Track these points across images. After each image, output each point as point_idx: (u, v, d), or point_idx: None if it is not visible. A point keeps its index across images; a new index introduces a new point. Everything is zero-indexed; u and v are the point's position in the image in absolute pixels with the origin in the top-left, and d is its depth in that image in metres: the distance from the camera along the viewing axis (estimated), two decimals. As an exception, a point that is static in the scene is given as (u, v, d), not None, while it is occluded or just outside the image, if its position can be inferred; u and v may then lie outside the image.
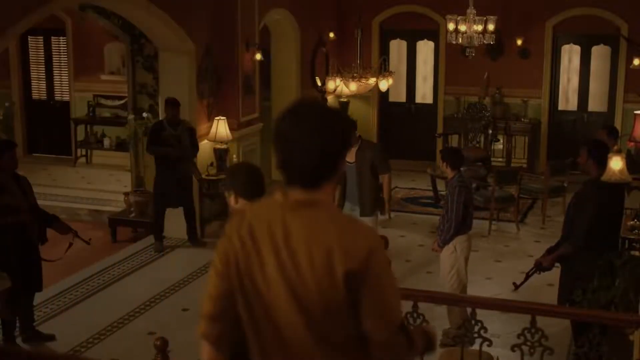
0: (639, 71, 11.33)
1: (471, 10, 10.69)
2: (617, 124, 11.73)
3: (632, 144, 9.21)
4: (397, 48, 13.64)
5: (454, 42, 11.03)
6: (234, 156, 9.78)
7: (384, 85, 10.39)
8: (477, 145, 12.47)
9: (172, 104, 8.69)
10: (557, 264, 6.07)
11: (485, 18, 10.76)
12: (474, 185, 10.38)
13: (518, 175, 10.16)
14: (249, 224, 2.35)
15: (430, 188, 11.12)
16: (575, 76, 12.85)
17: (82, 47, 12.81)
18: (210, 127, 9.50)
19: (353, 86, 10.04)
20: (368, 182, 7.46)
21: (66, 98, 13.24)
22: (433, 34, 13.26)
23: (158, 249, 8.98)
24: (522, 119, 12.76)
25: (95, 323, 7.02)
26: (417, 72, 13.66)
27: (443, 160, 6.60)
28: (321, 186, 2.31)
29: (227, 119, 9.51)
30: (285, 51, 12.02)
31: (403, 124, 13.63)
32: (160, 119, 9.01)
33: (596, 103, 12.85)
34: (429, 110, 13.59)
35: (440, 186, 10.57)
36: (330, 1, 13.18)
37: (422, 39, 13.48)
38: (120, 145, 12.09)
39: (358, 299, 2.27)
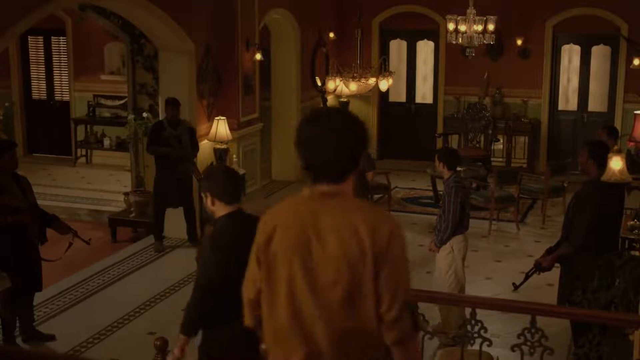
0: (639, 71, 11.33)
1: (471, 10, 10.70)
2: (617, 124, 11.73)
3: (632, 144, 9.20)
4: (397, 48, 13.64)
5: (454, 42, 11.04)
6: (234, 156, 9.79)
7: (384, 85, 10.39)
8: (477, 145, 12.47)
9: (173, 104, 8.69)
10: (557, 264, 6.07)
11: (485, 18, 10.77)
12: (473, 185, 10.41)
13: (518, 175, 10.17)
14: (282, 218, 2.67)
15: (430, 188, 11.12)
16: (575, 76, 12.85)
17: (82, 47, 12.81)
18: (210, 127, 9.50)
19: (353, 86, 10.04)
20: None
21: (66, 98, 13.23)
22: (433, 34, 13.26)
23: (158, 249, 8.98)
24: (522, 119, 12.75)
25: (95, 323, 7.02)
26: (417, 72, 13.66)
27: (439, 161, 6.61)
28: (345, 179, 2.63)
29: (227, 119, 9.51)
30: (285, 51, 12.02)
31: (403, 124, 13.64)
32: (160, 119, 9.01)
33: (596, 103, 12.85)
34: (428, 110, 13.59)
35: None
36: (330, 1, 13.18)
37: (422, 39, 13.49)
38: (120, 145, 12.09)
39: (378, 277, 2.55)
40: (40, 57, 13.31)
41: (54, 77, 13.33)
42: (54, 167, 12.56)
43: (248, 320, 2.90)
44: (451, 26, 10.85)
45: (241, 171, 9.79)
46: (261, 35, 10.67)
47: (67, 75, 13.13)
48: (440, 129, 13.23)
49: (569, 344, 5.77)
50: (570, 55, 12.82)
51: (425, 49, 13.55)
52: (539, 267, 6.17)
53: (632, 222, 7.02)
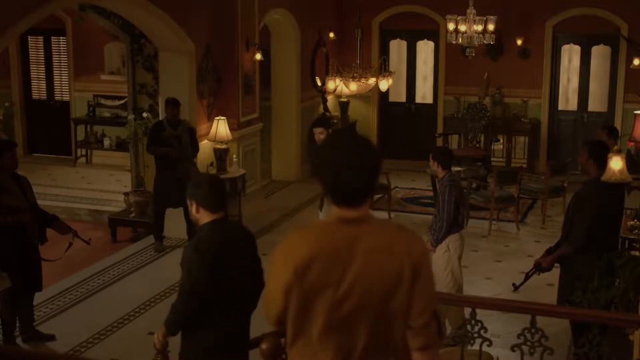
0: (639, 71, 11.33)
1: (471, 10, 10.70)
2: (617, 124, 11.73)
3: (632, 144, 9.21)
4: (397, 48, 13.64)
5: (454, 42, 11.04)
6: (234, 156, 9.78)
7: (384, 85, 10.38)
8: (477, 145, 12.47)
9: (173, 104, 8.68)
10: (557, 264, 6.07)
11: (485, 18, 10.77)
12: (474, 185, 10.41)
13: (518, 175, 10.17)
14: (319, 246, 2.67)
15: (430, 188, 11.11)
16: (575, 76, 12.85)
17: (82, 47, 12.81)
18: (210, 127, 9.50)
19: (353, 86, 10.04)
20: None
21: (66, 98, 13.23)
22: (433, 34, 13.26)
23: (158, 249, 8.98)
24: (522, 119, 12.75)
25: (95, 323, 7.02)
26: (417, 72, 13.66)
27: (434, 160, 6.63)
28: (366, 203, 2.71)
29: (227, 119, 9.51)
30: (285, 51, 12.02)
31: (403, 124, 13.63)
32: (160, 119, 9.01)
33: (596, 103, 12.85)
34: (428, 110, 13.59)
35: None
36: (330, 1, 13.18)
37: (422, 39, 13.48)
38: (120, 145, 12.09)
39: (412, 291, 2.72)
40: (40, 57, 13.32)
41: (54, 77, 13.33)
42: (54, 167, 12.56)
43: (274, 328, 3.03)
44: (451, 26, 10.85)
45: (241, 171, 9.80)
46: (261, 35, 10.67)
47: (67, 75, 13.13)
48: (440, 129, 13.23)
49: (569, 344, 5.77)
50: (570, 55, 12.82)
51: (425, 49, 13.55)
52: (538, 268, 6.17)
53: (632, 222, 7.01)
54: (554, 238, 6.77)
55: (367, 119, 13.59)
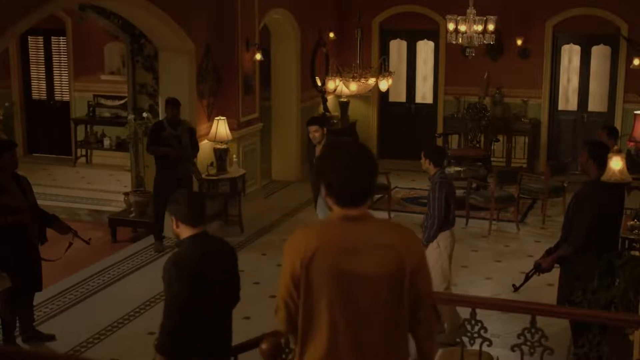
0: (639, 71, 11.33)
1: (471, 10, 10.70)
2: (617, 124, 11.73)
3: (632, 144, 9.21)
4: (397, 48, 13.64)
5: (454, 42, 11.04)
6: (234, 156, 9.78)
7: (383, 85, 10.38)
8: (477, 145, 12.47)
9: (173, 104, 8.68)
10: (557, 265, 6.06)
11: (485, 18, 10.77)
12: (474, 185, 10.40)
13: (518, 175, 10.16)
14: (321, 241, 2.87)
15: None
16: (575, 76, 12.85)
17: (82, 47, 12.81)
18: (210, 127, 9.50)
19: (353, 86, 10.04)
20: None
21: (66, 98, 13.23)
22: (433, 34, 13.26)
23: (158, 249, 8.98)
24: (522, 119, 12.75)
25: (95, 323, 7.02)
26: (417, 72, 13.66)
27: (425, 158, 6.63)
28: (366, 203, 2.92)
29: (227, 118, 9.51)
30: (285, 51, 12.02)
31: (403, 124, 13.63)
32: (161, 119, 9.01)
33: (596, 103, 12.85)
34: (428, 110, 13.59)
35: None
36: (330, 1, 13.18)
37: (422, 39, 13.48)
38: (120, 145, 12.09)
39: (412, 285, 2.90)
40: (40, 57, 13.32)
41: (54, 77, 13.34)
42: (54, 167, 12.56)
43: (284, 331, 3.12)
44: (451, 26, 10.85)
45: (241, 171, 9.80)
46: (261, 35, 10.67)
47: (67, 75, 13.13)
48: (440, 129, 13.22)
49: (569, 344, 5.77)
50: (570, 55, 12.82)
51: (425, 49, 13.55)
52: (538, 268, 6.16)
53: (632, 222, 7.01)
54: (554, 238, 6.77)
55: (367, 119, 13.60)
